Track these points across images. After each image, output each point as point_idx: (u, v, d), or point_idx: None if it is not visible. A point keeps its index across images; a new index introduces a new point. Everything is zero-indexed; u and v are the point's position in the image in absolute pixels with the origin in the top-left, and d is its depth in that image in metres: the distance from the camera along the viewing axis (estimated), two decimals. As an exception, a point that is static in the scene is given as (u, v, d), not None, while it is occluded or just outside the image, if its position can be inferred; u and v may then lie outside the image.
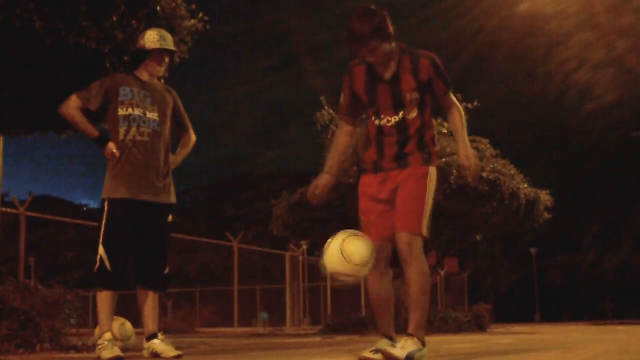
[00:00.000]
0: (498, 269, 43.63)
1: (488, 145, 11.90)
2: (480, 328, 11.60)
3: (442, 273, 19.29)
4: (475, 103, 11.73)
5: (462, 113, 3.51)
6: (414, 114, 3.38)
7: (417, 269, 3.32)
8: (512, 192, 11.45)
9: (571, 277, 42.58)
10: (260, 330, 15.75)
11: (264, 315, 22.03)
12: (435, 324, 10.63)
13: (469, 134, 12.75)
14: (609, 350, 4.52)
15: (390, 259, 3.47)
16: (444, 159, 10.73)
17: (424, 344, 3.34)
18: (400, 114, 3.38)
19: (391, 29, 3.31)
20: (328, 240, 3.28)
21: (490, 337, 7.82)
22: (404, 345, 3.26)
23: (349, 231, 3.29)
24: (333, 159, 3.60)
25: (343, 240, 3.21)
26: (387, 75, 3.39)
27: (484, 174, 11.00)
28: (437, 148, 3.56)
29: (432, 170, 3.41)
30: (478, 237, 17.51)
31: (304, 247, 17.11)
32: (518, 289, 42.59)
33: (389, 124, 3.40)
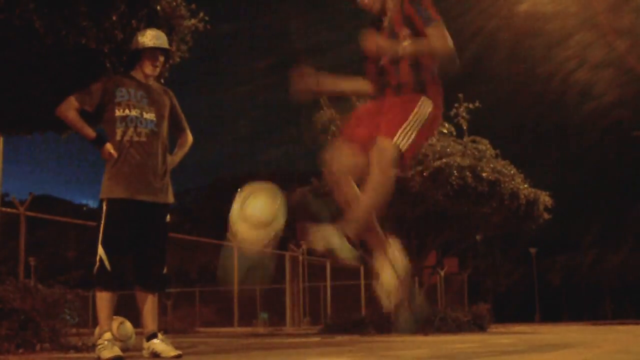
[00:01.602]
0: (498, 268, 43.64)
1: (488, 146, 11.90)
2: (480, 328, 11.59)
3: (442, 273, 19.29)
4: (476, 104, 11.74)
5: (436, 43, 3.29)
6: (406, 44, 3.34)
7: (379, 170, 3.19)
8: (512, 193, 11.46)
9: (571, 277, 42.58)
10: (260, 330, 15.75)
11: (264, 315, 22.01)
12: (435, 324, 10.61)
13: (470, 134, 12.60)
14: (610, 350, 4.52)
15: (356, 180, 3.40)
16: (444, 159, 10.74)
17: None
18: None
19: None
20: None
21: (490, 337, 7.81)
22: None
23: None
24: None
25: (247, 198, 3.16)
26: (385, 22, 3.46)
27: (484, 174, 11.01)
28: (439, 83, 3.45)
29: (426, 99, 3.33)
30: (478, 237, 17.51)
31: (304, 247, 17.12)
32: (518, 289, 42.59)
33: (385, 62, 3.42)
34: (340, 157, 3.38)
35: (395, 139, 3.23)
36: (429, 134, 3.45)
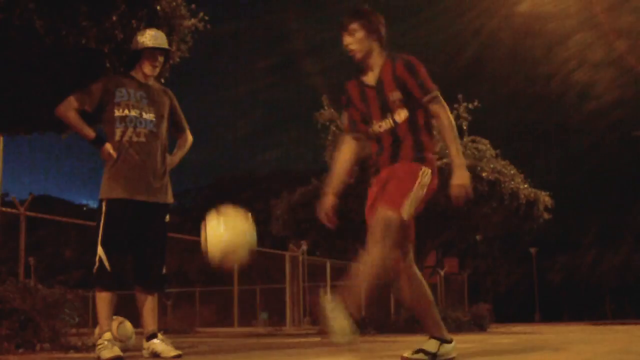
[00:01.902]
0: (498, 269, 43.64)
1: (488, 146, 11.91)
2: (480, 328, 11.59)
3: (442, 273, 19.30)
4: (476, 103, 11.74)
5: (450, 121, 3.37)
6: (402, 115, 3.37)
7: (371, 254, 3.17)
8: (512, 193, 11.46)
9: (571, 277, 42.57)
10: (260, 330, 15.75)
11: (264, 315, 22.01)
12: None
13: (470, 134, 12.66)
14: (611, 350, 4.52)
15: None
16: (444, 160, 10.72)
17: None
18: (389, 116, 3.41)
19: (380, 30, 3.42)
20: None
21: (491, 337, 7.81)
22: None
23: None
24: (337, 177, 3.58)
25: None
26: (372, 80, 3.45)
27: (484, 174, 11.00)
28: (436, 151, 3.52)
29: (426, 169, 3.34)
30: (478, 237, 17.54)
31: (304, 247, 17.12)
32: (518, 289, 42.59)
33: (381, 129, 3.44)
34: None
35: (402, 209, 3.21)
36: (422, 204, 3.41)
